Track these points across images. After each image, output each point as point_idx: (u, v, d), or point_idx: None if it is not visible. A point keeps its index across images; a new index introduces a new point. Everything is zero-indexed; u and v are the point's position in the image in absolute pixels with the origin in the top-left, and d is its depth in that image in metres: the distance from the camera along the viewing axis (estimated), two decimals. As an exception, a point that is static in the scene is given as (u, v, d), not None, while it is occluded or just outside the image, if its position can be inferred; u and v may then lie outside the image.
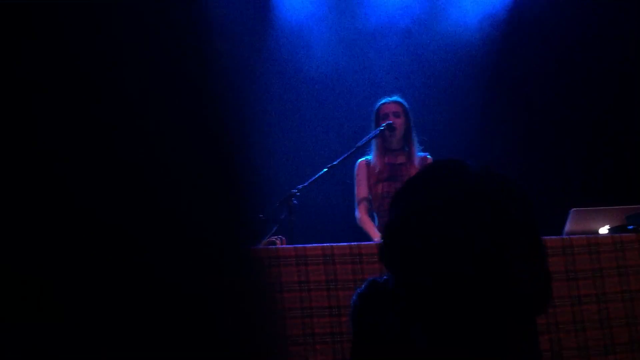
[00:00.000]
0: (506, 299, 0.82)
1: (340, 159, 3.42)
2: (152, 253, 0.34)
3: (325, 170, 3.35)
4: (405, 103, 3.59)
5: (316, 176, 3.33)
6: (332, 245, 2.70)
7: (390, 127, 3.49)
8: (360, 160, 3.59)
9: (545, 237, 2.89)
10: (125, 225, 0.34)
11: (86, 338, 0.32)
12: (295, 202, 3.22)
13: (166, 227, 0.35)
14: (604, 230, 3.15)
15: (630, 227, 3.03)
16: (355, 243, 2.80)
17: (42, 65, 0.33)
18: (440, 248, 0.81)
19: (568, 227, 3.15)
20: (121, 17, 0.36)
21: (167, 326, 0.34)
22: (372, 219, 3.55)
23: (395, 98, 3.61)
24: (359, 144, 3.50)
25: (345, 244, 2.74)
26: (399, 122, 3.53)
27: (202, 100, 0.40)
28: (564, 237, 2.99)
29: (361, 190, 3.57)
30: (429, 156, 3.59)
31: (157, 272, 0.34)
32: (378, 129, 3.49)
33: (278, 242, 2.90)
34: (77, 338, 0.32)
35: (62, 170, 0.33)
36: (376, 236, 3.37)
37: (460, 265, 0.80)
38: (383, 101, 3.61)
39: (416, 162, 3.55)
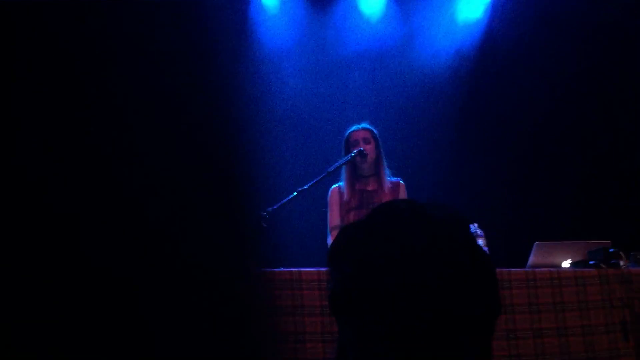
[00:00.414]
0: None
1: (311, 183, 3.43)
2: (149, 262, 0.34)
3: (295, 194, 3.35)
4: (374, 130, 3.63)
5: (286, 200, 3.33)
6: (300, 270, 2.70)
7: (361, 154, 3.51)
8: (333, 187, 3.60)
9: (510, 269, 2.94)
10: (122, 242, 0.34)
11: (86, 341, 0.32)
12: (264, 224, 3.21)
13: (165, 233, 0.35)
14: (566, 264, 3.20)
15: (592, 262, 3.09)
16: (324, 269, 2.79)
17: (42, 66, 0.33)
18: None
19: (532, 259, 3.20)
20: (121, 24, 0.36)
21: (164, 326, 0.34)
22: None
23: (364, 125, 3.64)
24: (330, 169, 3.51)
25: (313, 269, 2.74)
26: (369, 148, 3.55)
27: (197, 113, 0.41)
28: (528, 269, 3.04)
29: (333, 217, 3.58)
30: (401, 181, 3.63)
31: (155, 274, 0.35)
32: (349, 155, 3.51)
33: (245, 264, 2.89)
34: (78, 341, 0.32)
35: (61, 174, 0.33)
36: None
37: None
38: (353, 129, 3.64)
39: (387, 188, 3.57)
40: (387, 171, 3.60)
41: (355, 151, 3.51)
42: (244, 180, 0.42)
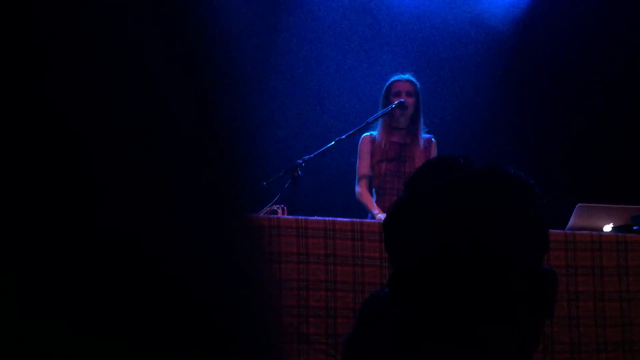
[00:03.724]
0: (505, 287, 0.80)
1: (349, 133, 3.39)
2: (136, 235, 0.32)
3: (332, 143, 3.32)
4: (417, 83, 3.55)
5: (323, 149, 3.30)
6: (334, 220, 2.68)
7: (402, 106, 3.44)
8: (365, 134, 3.54)
9: (549, 230, 2.87)
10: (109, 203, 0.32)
11: (84, 337, 0.30)
12: (300, 172, 3.19)
13: (152, 200, 0.33)
14: (607, 228, 3.12)
15: (636, 227, 3.01)
16: (358, 220, 2.78)
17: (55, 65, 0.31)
18: (437, 229, 0.79)
19: (572, 222, 3.13)
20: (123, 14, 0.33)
21: (157, 309, 0.32)
22: (372, 196, 3.53)
23: (408, 76, 3.55)
24: (369, 120, 3.46)
25: (347, 219, 2.72)
26: (410, 102, 3.48)
27: (205, 66, 0.37)
28: (568, 231, 2.97)
29: (363, 165, 3.54)
30: (433, 139, 3.57)
31: (142, 252, 0.32)
32: (390, 106, 3.44)
33: (279, 211, 2.88)
34: (75, 337, 0.30)
35: (63, 165, 0.31)
36: (375, 210, 3.36)
37: (456, 244, 0.78)
38: (396, 78, 3.55)
39: (421, 143, 3.52)
40: (422, 126, 3.54)
41: (395, 102, 3.44)
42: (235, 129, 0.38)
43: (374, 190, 3.55)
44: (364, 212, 3.44)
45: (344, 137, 3.35)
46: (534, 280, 0.83)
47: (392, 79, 3.56)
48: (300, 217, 2.69)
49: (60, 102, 0.30)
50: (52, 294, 0.29)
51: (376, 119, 3.48)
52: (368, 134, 3.54)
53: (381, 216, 3.21)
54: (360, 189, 3.52)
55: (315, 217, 2.69)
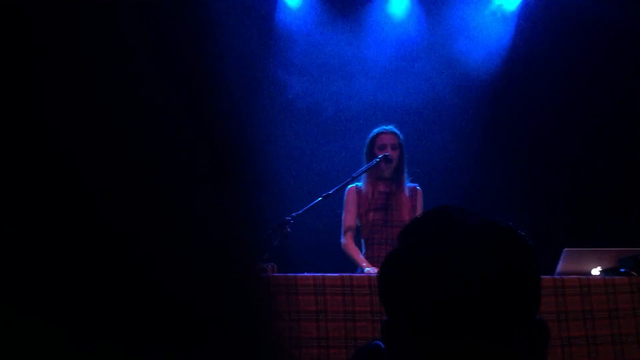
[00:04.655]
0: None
1: (336, 188, 3.42)
2: (151, 257, 0.33)
3: (320, 199, 3.34)
4: (400, 135, 3.61)
5: (311, 204, 3.32)
6: (323, 276, 2.69)
7: (387, 159, 3.49)
8: (350, 186, 3.57)
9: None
10: (128, 229, 0.33)
11: (87, 340, 0.31)
12: (288, 229, 3.20)
13: (168, 231, 0.34)
14: (596, 271, 3.14)
15: (622, 269, 3.03)
16: (347, 274, 2.78)
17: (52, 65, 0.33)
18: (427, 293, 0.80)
19: (560, 266, 3.14)
20: (124, 20, 0.35)
21: (166, 330, 0.33)
22: (359, 247, 3.55)
23: (392, 129, 3.60)
24: (355, 174, 3.50)
25: (336, 274, 2.73)
26: (395, 155, 3.53)
27: (205, 107, 0.40)
28: (556, 277, 2.98)
29: (349, 217, 3.56)
30: (418, 187, 3.61)
31: (155, 274, 0.34)
32: (375, 160, 3.49)
33: (269, 269, 2.88)
34: (76, 339, 0.31)
35: (68, 168, 0.32)
36: (364, 263, 3.36)
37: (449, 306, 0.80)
38: (380, 130, 3.60)
39: (406, 192, 3.56)
40: (406, 176, 3.59)
41: (380, 156, 3.49)
42: (247, 179, 0.41)
43: (362, 240, 3.56)
44: (353, 265, 3.45)
45: (331, 192, 3.38)
46: (533, 329, 0.85)
47: (376, 131, 3.61)
48: (289, 275, 2.70)
49: (62, 110, 0.31)
50: (53, 294, 0.30)
51: (361, 173, 3.53)
52: (353, 185, 3.58)
53: (370, 269, 3.22)
54: (346, 241, 3.54)
55: (305, 274, 2.70)
